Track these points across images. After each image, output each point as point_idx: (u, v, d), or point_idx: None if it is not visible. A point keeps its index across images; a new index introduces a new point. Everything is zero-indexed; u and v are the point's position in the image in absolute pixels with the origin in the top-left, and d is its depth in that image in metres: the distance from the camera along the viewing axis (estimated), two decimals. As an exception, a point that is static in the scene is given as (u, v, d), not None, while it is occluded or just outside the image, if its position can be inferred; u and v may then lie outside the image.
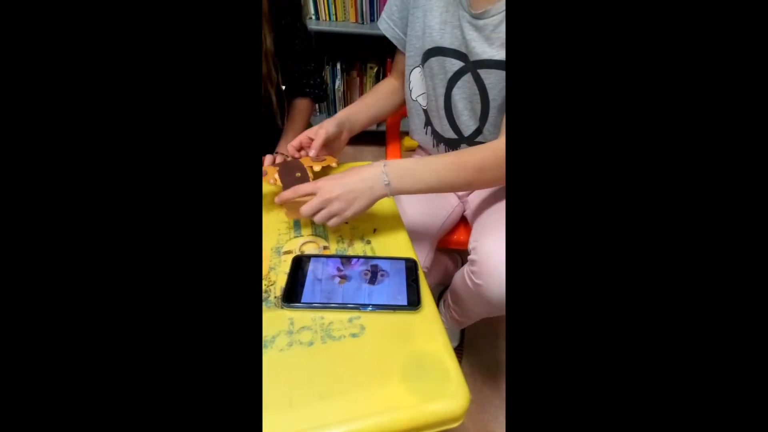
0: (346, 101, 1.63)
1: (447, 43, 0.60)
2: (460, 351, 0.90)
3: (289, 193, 0.51)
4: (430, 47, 0.62)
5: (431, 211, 0.71)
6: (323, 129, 0.59)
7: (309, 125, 0.84)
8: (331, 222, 0.49)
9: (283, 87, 0.79)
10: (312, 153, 0.57)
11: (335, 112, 1.66)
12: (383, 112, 0.72)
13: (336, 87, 1.59)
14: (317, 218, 0.49)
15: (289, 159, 0.61)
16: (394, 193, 0.51)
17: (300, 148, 0.60)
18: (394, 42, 0.69)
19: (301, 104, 0.81)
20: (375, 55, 1.58)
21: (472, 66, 0.59)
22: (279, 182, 0.54)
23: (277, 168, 0.57)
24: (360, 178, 0.49)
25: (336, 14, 1.48)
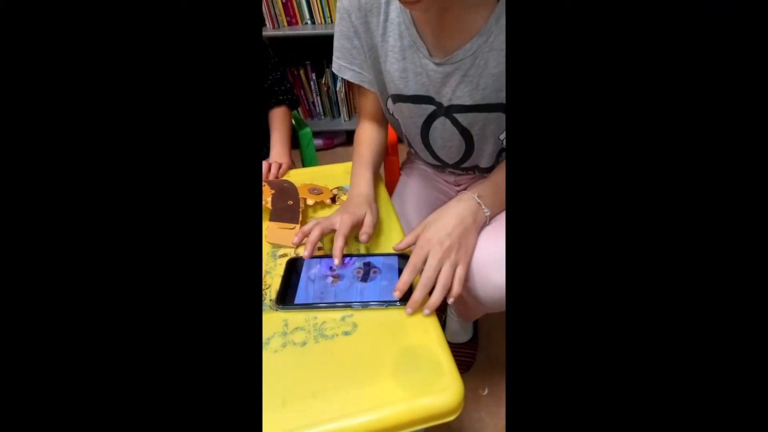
0: (349, 102, 1.64)
1: (412, 91, 0.54)
2: (474, 344, 0.89)
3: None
4: (394, 93, 0.57)
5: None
6: (372, 217, 0.51)
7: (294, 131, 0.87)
8: (460, 273, 0.44)
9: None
10: (363, 238, 0.49)
11: (339, 113, 1.67)
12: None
13: (337, 89, 1.60)
14: (444, 276, 0.43)
15: (285, 183, 0.60)
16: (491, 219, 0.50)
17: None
18: (365, 86, 0.59)
19: (281, 112, 0.85)
20: (374, 53, 1.58)
21: (446, 111, 0.54)
22: (269, 205, 0.55)
23: (271, 191, 0.57)
24: (461, 218, 0.47)
25: (331, 16, 1.49)
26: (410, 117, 0.58)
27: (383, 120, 0.66)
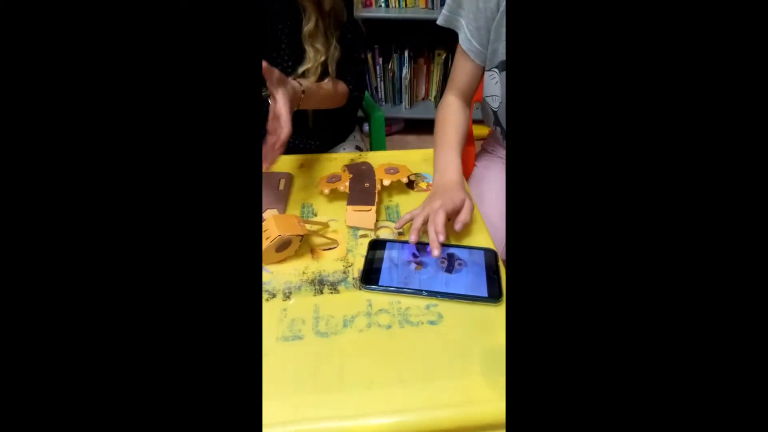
0: (412, 89, 1.61)
1: None
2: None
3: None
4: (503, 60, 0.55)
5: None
6: (470, 203, 0.49)
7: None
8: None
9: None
10: (441, 238, 0.45)
11: (400, 101, 1.65)
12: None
13: (403, 75, 1.57)
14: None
15: (363, 166, 0.58)
16: None
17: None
18: (471, 54, 0.57)
19: (341, 87, 0.68)
20: (443, 41, 1.54)
21: None
22: (348, 190, 0.54)
23: (350, 175, 0.56)
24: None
25: (405, 0, 1.46)
26: None
27: (470, 99, 0.63)
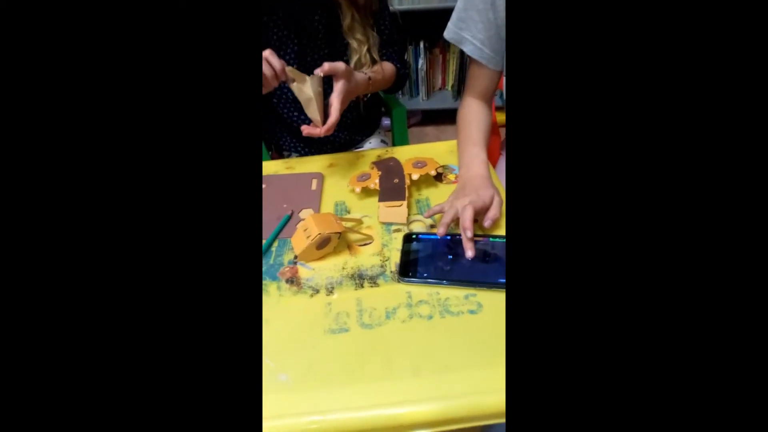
0: (429, 81, 1.60)
1: None
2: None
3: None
4: None
5: None
6: (500, 198, 0.50)
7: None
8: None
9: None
10: (469, 234, 0.46)
11: (417, 92, 1.65)
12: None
13: (419, 66, 1.57)
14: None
15: (391, 162, 0.60)
16: None
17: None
18: (484, 62, 0.57)
19: (389, 66, 0.73)
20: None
21: None
22: (378, 187, 0.55)
23: (378, 172, 0.57)
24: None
25: (419, -10, 1.45)
26: None
27: (490, 99, 0.63)
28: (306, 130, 0.56)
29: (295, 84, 0.55)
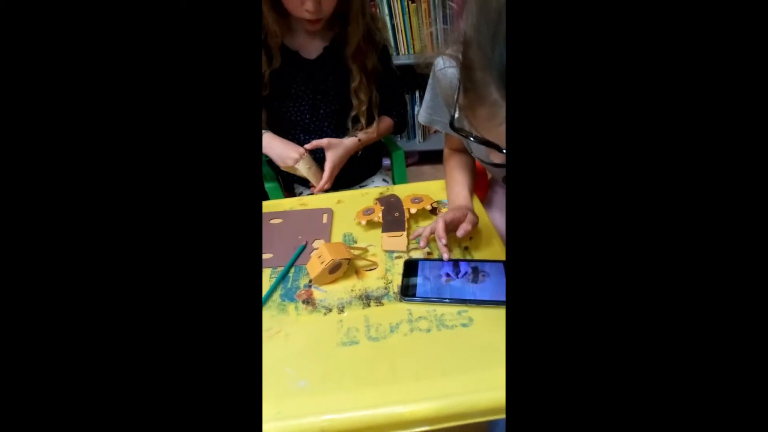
0: (425, 127, 1.73)
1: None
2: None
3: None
4: None
5: None
6: (473, 216, 0.57)
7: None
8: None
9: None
10: (443, 241, 0.55)
11: (414, 137, 1.77)
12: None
13: (416, 113, 1.70)
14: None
15: (392, 198, 0.69)
16: None
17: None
18: (454, 137, 0.59)
19: (385, 121, 0.90)
20: (451, 79, 1.67)
21: None
22: (381, 219, 0.64)
23: (381, 207, 0.66)
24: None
25: (414, 46, 1.61)
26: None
27: (466, 149, 0.71)
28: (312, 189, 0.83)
29: (296, 165, 0.81)
